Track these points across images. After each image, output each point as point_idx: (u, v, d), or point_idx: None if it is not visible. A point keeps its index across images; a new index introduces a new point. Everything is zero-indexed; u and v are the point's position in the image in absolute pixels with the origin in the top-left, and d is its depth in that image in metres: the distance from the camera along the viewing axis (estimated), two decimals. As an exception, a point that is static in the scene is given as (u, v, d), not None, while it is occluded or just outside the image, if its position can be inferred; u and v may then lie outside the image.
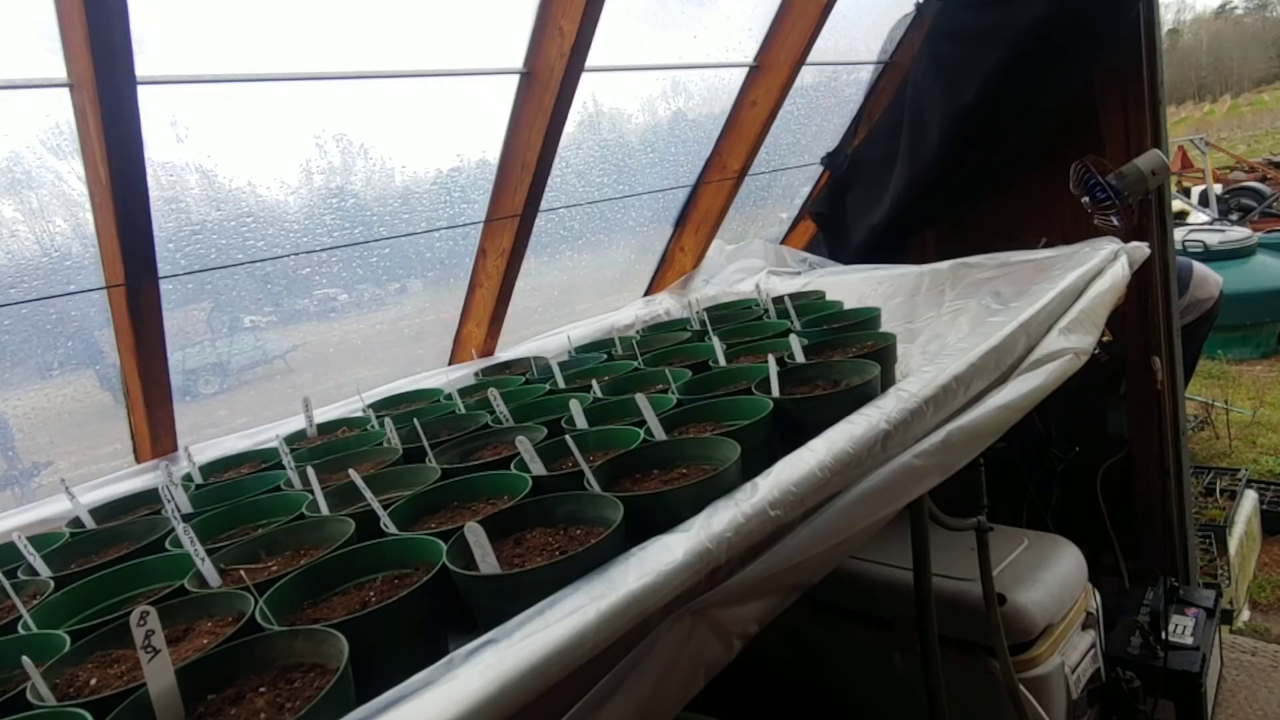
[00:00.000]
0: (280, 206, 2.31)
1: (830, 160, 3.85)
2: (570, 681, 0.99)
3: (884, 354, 1.97)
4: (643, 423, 1.70)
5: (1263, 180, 11.21)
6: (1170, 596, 3.09)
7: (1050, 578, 2.52)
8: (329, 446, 2.10)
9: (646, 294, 3.68)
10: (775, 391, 1.77)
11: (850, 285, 3.13)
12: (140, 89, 1.64)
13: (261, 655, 1.12)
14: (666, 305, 3.46)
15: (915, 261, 3.09)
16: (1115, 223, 3.13)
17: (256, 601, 1.20)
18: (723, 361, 2.17)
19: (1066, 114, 3.27)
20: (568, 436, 1.59)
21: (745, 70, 3.16)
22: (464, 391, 2.47)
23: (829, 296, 2.86)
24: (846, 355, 2.01)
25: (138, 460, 2.22)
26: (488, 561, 1.23)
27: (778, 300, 2.80)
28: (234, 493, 1.85)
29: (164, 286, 1.97)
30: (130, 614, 0.99)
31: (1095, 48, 3.06)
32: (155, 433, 2.19)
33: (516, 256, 2.75)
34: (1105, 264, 2.47)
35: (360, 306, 2.86)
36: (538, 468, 1.58)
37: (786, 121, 3.55)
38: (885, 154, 3.58)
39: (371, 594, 1.28)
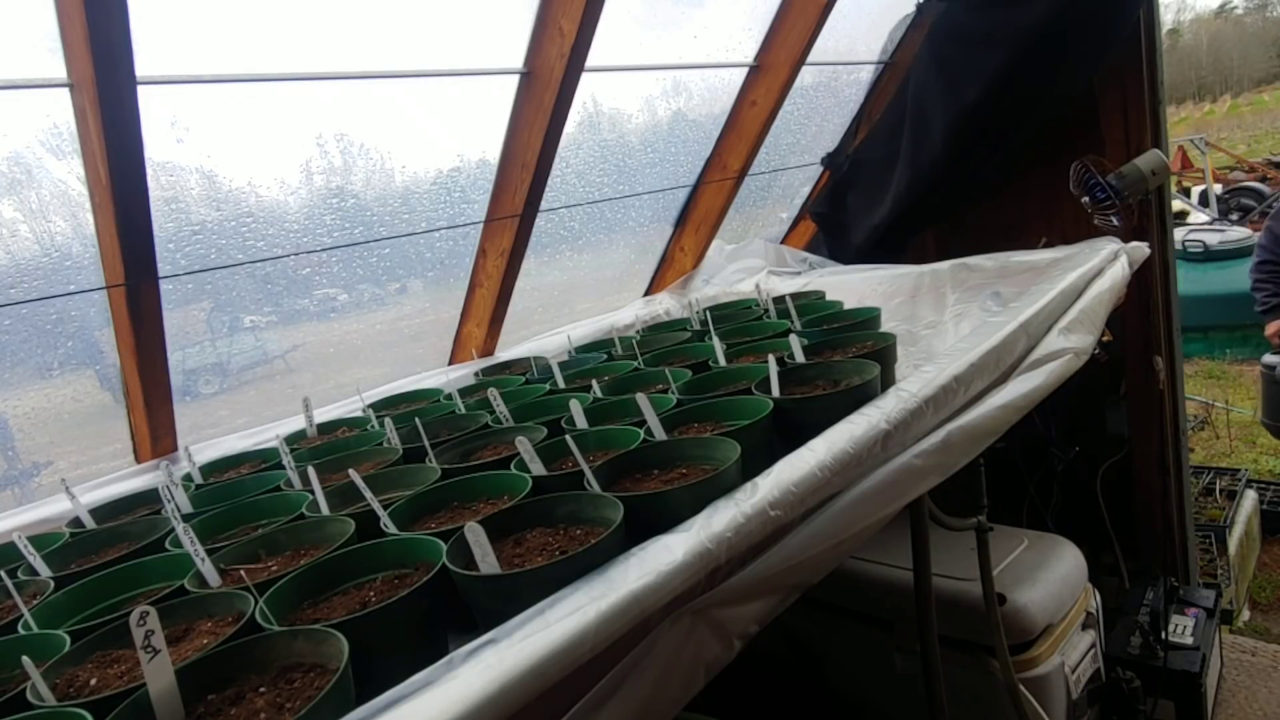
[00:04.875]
0: (280, 206, 2.30)
1: (830, 160, 3.85)
2: (570, 681, 0.99)
3: (884, 354, 1.97)
4: (643, 423, 1.70)
5: (1263, 180, 11.21)
6: (1170, 596, 3.09)
7: (1050, 578, 2.52)
8: (329, 446, 2.10)
9: (646, 294, 3.68)
10: (775, 391, 1.77)
11: (850, 285, 3.13)
12: (140, 89, 1.64)
13: (261, 655, 1.12)
14: (666, 305, 3.46)
15: (915, 261, 3.09)
16: (1115, 223, 3.13)
17: (256, 601, 1.20)
18: (723, 361, 2.17)
19: (1067, 114, 3.27)
20: (568, 436, 1.59)
21: (745, 70, 3.16)
22: (464, 391, 2.47)
23: (829, 296, 2.86)
24: (846, 355, 2.01)
25: (138, 460, 2.22)
26: (488, 561, 1.23)
27: (778, 300, 2.80)
28: (234, 493, 1.85)
29: (164, 286, 1.97)
30: (130, 614, 0.99)
31: (1099, 48, 3.06)
32: (155, 433, 2.19)
33: (516, 256, 2.75)
34: (1105, 264, 2.47)
35: (360, 306, 2.86)
36: (538, 468, 1.58)
37: (786, 121, 3.55)
38: (886, 154, 3.58)
39: (371, 594, 1.28)
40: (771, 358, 1.84)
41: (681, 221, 3.56)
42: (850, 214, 3.80)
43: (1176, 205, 9.01)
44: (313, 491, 1.63)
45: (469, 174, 2.66)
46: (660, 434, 1.66)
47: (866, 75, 3.80)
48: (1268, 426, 4.81)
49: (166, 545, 1.53)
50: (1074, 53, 3.05)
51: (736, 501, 1.28)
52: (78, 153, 1.73)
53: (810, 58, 3.10)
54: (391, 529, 1.43)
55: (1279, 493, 4.82)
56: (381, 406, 2.47)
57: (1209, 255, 7.74)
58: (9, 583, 1.40)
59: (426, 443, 1.84)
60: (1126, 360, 3.38)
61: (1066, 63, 3.07)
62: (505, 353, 3.04)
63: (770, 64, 3.12)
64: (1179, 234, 7.89)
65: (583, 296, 3.57)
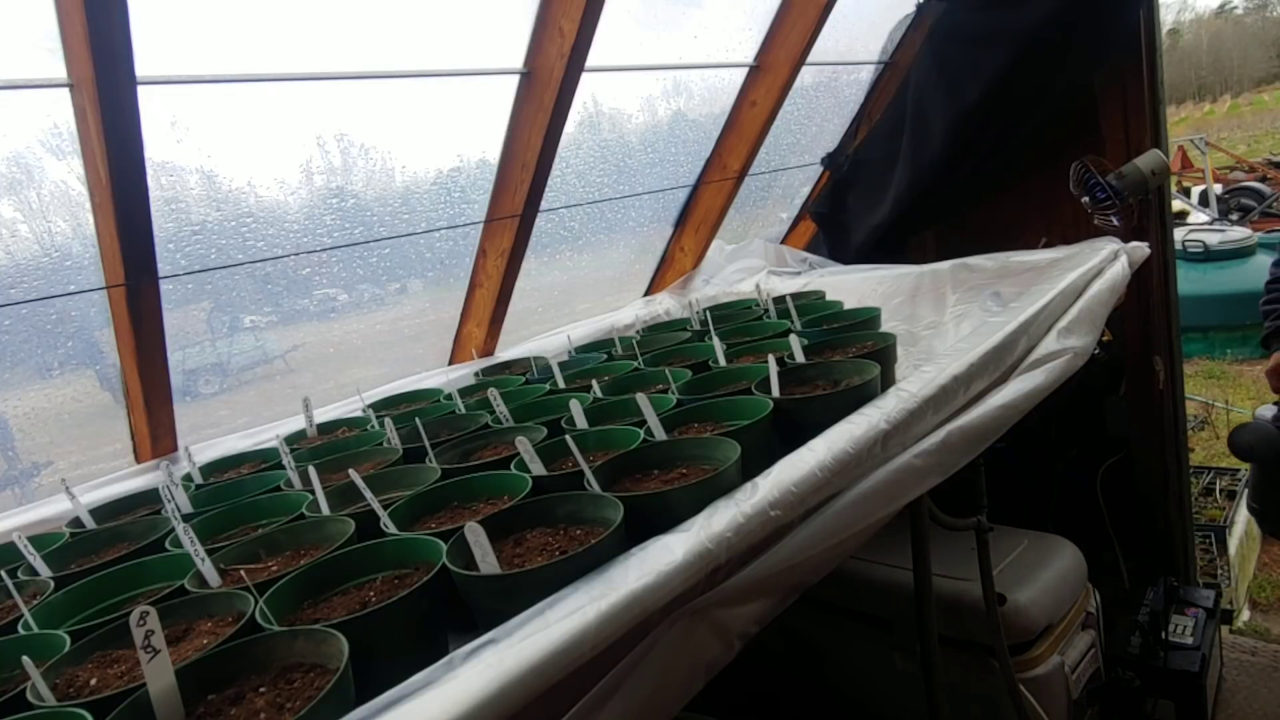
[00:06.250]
0: (280, 207, 2.31)
1: (831, 160, 3.85)
2: (570, 682, 0.99)
3: (884, 354, 1.98)
4: (643, 423, 1.70)
5: (1263, 180, 11.21)
6: (1170, 596, 3.09)
7: (1050, 577, 2.52)
8: (329, 446, 2.10)
9: (646, 294, 3.68)
10: (775, 391, 1.77)
11: (850, 285, 3.13)
12: (140, 89, 1.64)
13: (261, 655, 1.12)
14: (666, 305, 3.46)
15: (916, 261, 3.09)
16: (1115, 223, 3.13)
17: (256, 601, 1.20)
18: (723, 361, 2.17)
19: (1067, 114, 3.27)
20: (568, 436, 1.59)
21: (745, 70, 3.16)
22: (464, 391, 2.47)
23: (829, 296, 2.86)
24: (846, 355, 2.01)
25: (138, 460, 2.22)
26: (488, 561, 1.23)
27: (778, 300, 2.80)
28: (234, 493, 1.85)
29: (164, 286, 1.97)
30: (130, 614, 0.99)
31: (1099, 48, 3.06)
32: (155, 433, 2.19)
33: (516, 256, 2.75)
34: (1105, 264, 2.47)
35: (360, 306, 2.86)
36: (538, 468, 1.58)
37: (787, 121, 3.55)
38: (886, 154, 3.58)
39: (371, 594, 1.28)
40: (771, 358, 1.84)
41: (681, 221, 3.56)
42: (850, 214, 3.80)
43: (1176, 205, 9.01)
44: (313, 491, 1.63)
45: (469, 174, 2.66)
46: (660, 434, 1.66)
47: (866, 75, 3.80)
48: (1257, 514, 3.38)
49: (166, 545, 1.53)
50: (1074, 53, 3.05)
51: (736, 502, 1.28)
52: (78, 153, 1.73)
53: (810, 58, 3.10)
54: (391, 529, 1.43)
55: (1279, 493, 4.80)
56: (381, 406, 2.47)
57: (1209, 255, 7.75)
58: (9, 583, 1.40)
59: (426, 443, 1.84)
60: (1126, 360, 3.38)
61: (1066, 63, 3.07)
62: (505, 353, 3.04)
63: (770, 64, 3.12)
64: (1179, 234, 7.89)
65: (583, 296, 3.57)
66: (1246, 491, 3.82)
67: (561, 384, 2.33)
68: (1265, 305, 3.19)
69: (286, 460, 1.84)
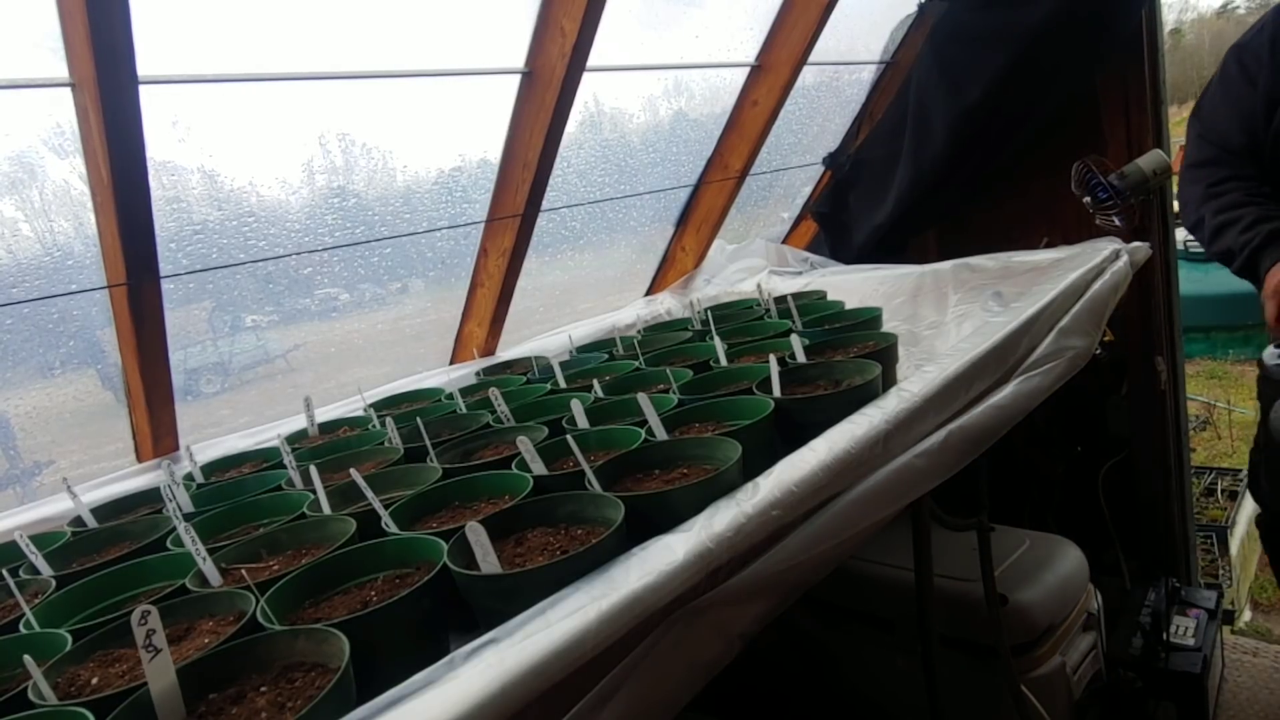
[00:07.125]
0: (282, 206, 2.31)
1: (832, 160, 3.85)
2: (571, 681, 0.99)
3: (885, 354, 1.97)
4: (644, 422, 1.70)
5: (1265, 180, 11.17)
6: (1172, 597, 3.09)
7: (1052, 578, 2.52)
8: (330, 446, 2.10)
9: (648, 294, 3.68)
10: (776, 391, 1.77)
11: (852, 285, 3.13)
12: (142, 89, 1.64)
13: (263, 654, 1.12)
14: (668, 305, 3.46)
15: (917, 261, 3.09)
16: (1117, 223, 3.13)
17: (258, 601, 1.20)
18: (724, 361, 2.17)
19: (1069, 114, 3.26)
20: (569, 436, 1.59)
21: (747, 70, 3.16)
22: (465, 391, 2.46)
23: (830, 296, 2.85)
24: (848, 355, 2.01)
25: (139, 459, 2.22)
26: (489, 561, 1.23)
27: (779, 300, 2.80)
28: (235, 492, 1.85)
29: (165, 286, 1.97)
30: (131, 613, 0.99)
31: (1101, 49, 3.05)
32: (157, 432, 2.19)
33: (518, 256, 2.75)
34: (1107, 264, 2.47)
35: (361, 306, 2.86)
36: (539, 467, 1.58)
37: (788, 121, 3.54)
38: (888, 154, 3.58)
39: (372, 593, 1.28)
40: (773, 357, 1.84)
41: (683, 221, 3.56)
42: (852, 214, 3.80)
43: (1178, 205, 8.99)
44: (314, 491, 1.63)
45: (470, 174, 2.66)
46: (661, 434, 1.66)
47: (868, 75, 3.80)
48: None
49: (168, 544, 1.53)
50: (1076, 53, 3.04)
51: (738, 501, 1.28)
52: (79, 152, 1.73)
53: (812, 57, 3.09)
54: (393, 528, 1.43)
55: (1281, 493, 4.79)
56: (383, 406, 2.47)
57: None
58: (11, 581, 1.41)
59: (428, 442, 1.84)
60: (1128, 360, 3.38)
61: (1069, 63, 3.07)
62: (506, 352, 3.03)
63: (772, 64, 3.11)
64: (1181, 234, 7.87)
65: (584, 296, 3.57)
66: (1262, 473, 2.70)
67: (562, 383, 2.33)
68: (1221, 214, 2.24)
69: (288, 459, 1.84)
